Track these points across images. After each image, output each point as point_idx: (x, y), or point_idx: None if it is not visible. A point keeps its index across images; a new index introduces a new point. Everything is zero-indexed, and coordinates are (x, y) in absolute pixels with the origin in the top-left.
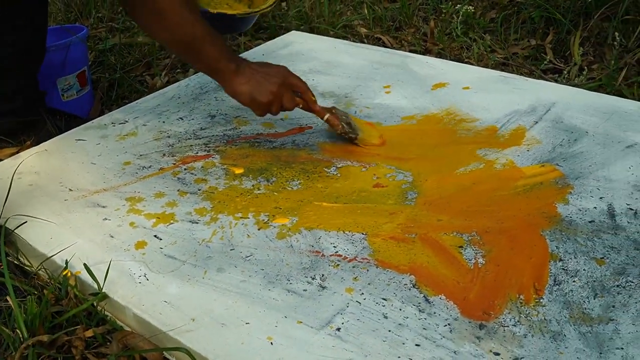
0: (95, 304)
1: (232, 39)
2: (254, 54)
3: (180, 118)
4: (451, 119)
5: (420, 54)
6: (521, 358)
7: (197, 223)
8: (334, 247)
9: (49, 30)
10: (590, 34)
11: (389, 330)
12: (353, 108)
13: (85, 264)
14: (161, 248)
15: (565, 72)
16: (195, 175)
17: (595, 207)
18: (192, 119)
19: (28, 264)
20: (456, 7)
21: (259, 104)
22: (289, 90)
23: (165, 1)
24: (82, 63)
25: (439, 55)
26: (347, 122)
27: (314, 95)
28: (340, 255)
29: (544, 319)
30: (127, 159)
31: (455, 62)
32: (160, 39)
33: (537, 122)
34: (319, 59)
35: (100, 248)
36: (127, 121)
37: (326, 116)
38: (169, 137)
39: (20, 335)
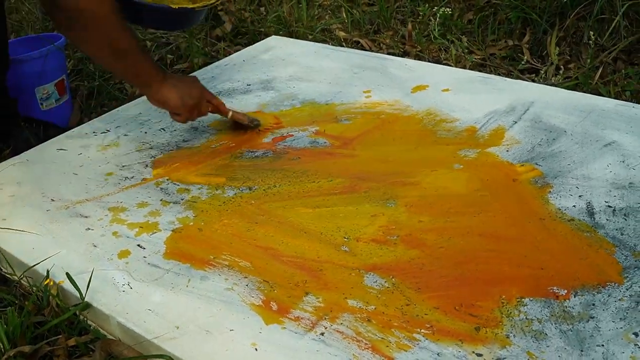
0: (77, 313)
1: (211, 44)
2: (234, 60)
3: (162, 129)
4: (431, 120)
5: (399, 56)
6: (504, 358)
7: (180, 232)
8: (317, 252)
9: (27, 39)
10: (567, 33)
11: (373, 334)
12: (334, 114)
13: (67, 273)
14: (144, 257)
15: (542, 71)
16: (178, 185)
17: (574, 206)
18: (174, 130)
19: (10, 274)
20: (433, 10)
21: (188, 106)
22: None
23: (102, 11)
24: (60, 71)
25: (418, 57)
26: (248, 117)
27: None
28: (323, 261)
29: (526, 318)
30: (110, 170)
31: (434, 64)
32: (93, 49)
33: (516, 122)
34: (299, 64)
35: (83, 258)
36: (108, 130)
37: (230, 114)
38: (151, 148)
39: (1, 346)
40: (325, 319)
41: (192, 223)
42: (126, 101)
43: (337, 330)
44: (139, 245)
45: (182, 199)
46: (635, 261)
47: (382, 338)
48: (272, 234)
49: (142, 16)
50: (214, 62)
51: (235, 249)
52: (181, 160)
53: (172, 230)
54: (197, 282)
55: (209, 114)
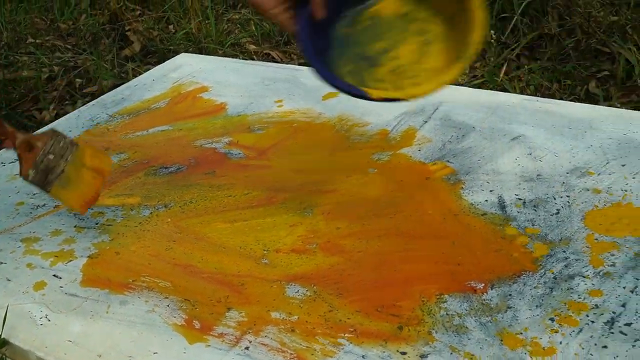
0: None
1: (120, 65)
2: (144, 80)
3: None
4: (343, 125)
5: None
6: (427, 354)
7: (96, 258)
8: (237, 267)
9: None
10: None
11: (298, 344)
12: (247, 124)
13: None
14: (61, 287)
15: None
16: (92, 209)
17: (486, 200)
18: None
19: None
20: None
21: None
22: None
23: None
24: None
25: None
26: (45, 167)
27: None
28: (244, 275)
29: (447, 314)
30: (20, 199)
31: None
32: None
33: (426, 122)
34: (209, 80)
35: None
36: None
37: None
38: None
39: None
40: (249, 333)
41: (108, 247)
42: (35, 129)
43: (262, 343)
44: (55, 275)
45: (97, 223)
46: (548, 249)
47: (306, 347)
48: (190, 251)
49: None
50: (123, 83)
51: (155, 270)
52: None
53: (89, 257)
54: (116, 307)
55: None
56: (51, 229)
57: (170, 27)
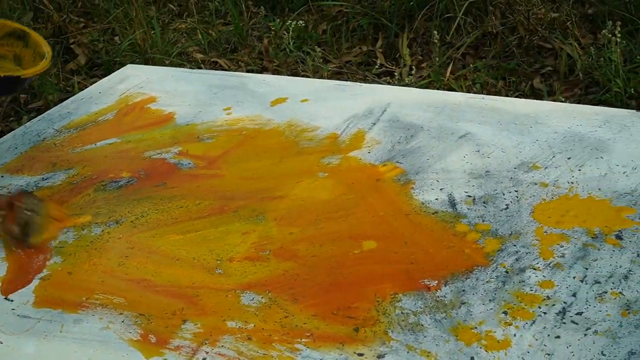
0: None
1: (66, 79)
2: (90, 93)
3: (19, 170)
4: (292, 131)
5: (258, 72)
6: (385, 354)
7: (48, 279)
8: (191, 279)
9: None
10: (417, 34)
11: (255, 351)
12: (196, 133)
13: None
14: (13, 309)
15: (397, 73)
16: None
17: (437, 199)
18: (32, 169)
19: None
20: (286, 24)
21: None
22: None
23: None
24: None
25: (276, 72)
26: (25, 222)
27: None
28: (198, 286)
29: (402, 313)
30: None
31: (292, 77)
32: None
33: (374, 124)
34: (157, 91)
35: None
36: None
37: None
38: (9, 192)
39: None
40: (205, 344)
41: (60, 268)
42: None
43: (219, 354)
44: (6, 298)
45: (48, 246)
46: (498, 244)
47: (264, 354)
48: (144, 266)
49: None
50: (69, 97)
51: (108, 287)
52: None
53: (40, 279)
54: (70, 326)
55: None
56: (2, 255)
57: (116, 38)
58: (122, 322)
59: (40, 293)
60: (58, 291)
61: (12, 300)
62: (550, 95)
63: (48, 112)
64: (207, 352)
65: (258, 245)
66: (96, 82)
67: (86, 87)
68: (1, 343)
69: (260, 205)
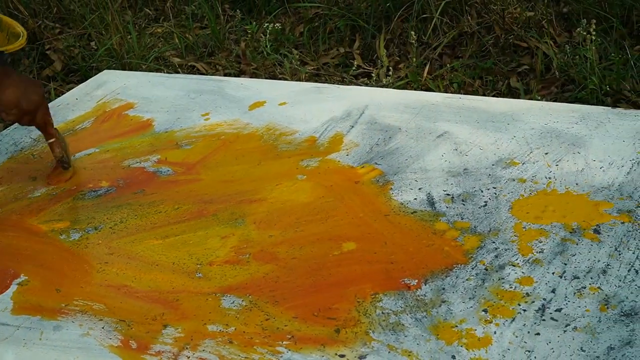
0: None
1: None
2: (67, 100)
3: None
4: (271, 135)
5: (235, 76)
6: (366, 355)
7: (26, 285)
8: (171, 283)
9: None
10: (394, 35)
11: (236, 355)
12: (175, 140)
13: None
14: None
15: (374, 74)
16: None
17: (415, 199)
18: (11, 182)
19: None
20: (263, 26)
21: (23, 110)
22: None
23: None
24: None
25: (254, 75)
26: (65, 150)
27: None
28: (178, 291)
29: (382, 313)
30: None
31: (270, 80)
32: None
33: (352, 127)
34: (134, 96)
35: None
36: None
37: (52, 140)
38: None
39: None
40: (186, 348)
41: (38, 274)
42: None
43: (200, 358)
44: None
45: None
46: (478, 241)
47: (245, 357)
48: (123, 271)
49: None
50: None
51: (88, 293)
52: (21, 211)
53: (18, 284)
54: (50, 333)
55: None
56: None
57: (92, 43)
58: (103, 328)
59: (19, 299)
60: (36, 297)
61: None
62: (527, 93)
63: None
64: (189, 357)
65: (238, 248)
66: (72, 88)
67: (63, 94)
68: None
69: (240, 208)
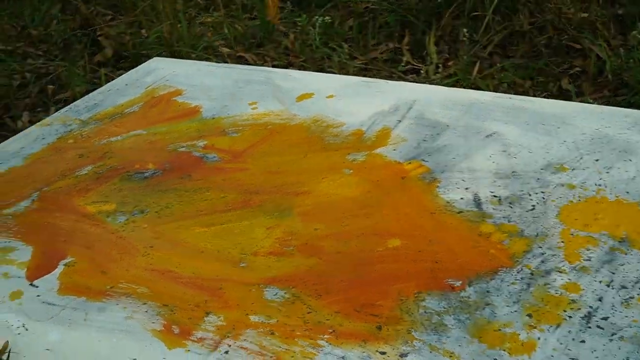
0: None
1: (92, 71)
2: (117, 85)
3: (46, 161)
4: (318, 127)
5: (284, 67)
6: (407, 354)
7: (73, 266)
8: (215, 271)
9: None
10: (444, 32)
11: (277, 346)
12: (222, 127)
13: None
14: (38, 295)
15: (423, 71)
16: None
17: (462, 198)
18: (58, 159)
19: None
20: (313, 19)
21: None
22: None
23: None
24: None
25: (302, 67)
26: None
27: None
28: (222, 279)
29: (425, 312)
30: None
31: (318, 73)
32: None
33: (400, 121)
34: (183, 84)
35: None
36: None
37: None
38: (35, 181)
39: None
40: (228, 337)
41: (85, 255)
42: (8, 137)
43: (242, 347)
44: (31, 284)
45: (73, 232)
46: (524, 245)
47: (286, 349)
48: (168, 257)
49: None
50: (96, 88)
51: (132, 276)
52: (68, 191)
53: (65, 265)
54: (94, 314)
55: None
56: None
57: (143, 31)
58: (146, 312)
59: (66, 280)
60: (82, 278)
61: (37, 287)
62: (579, 96)
63: (75, 103)
64: (230, 345)
65: (282, 240)
66: (122, 74)
67: (113, 80)
68: (26, 329)
69: (285, 200)
